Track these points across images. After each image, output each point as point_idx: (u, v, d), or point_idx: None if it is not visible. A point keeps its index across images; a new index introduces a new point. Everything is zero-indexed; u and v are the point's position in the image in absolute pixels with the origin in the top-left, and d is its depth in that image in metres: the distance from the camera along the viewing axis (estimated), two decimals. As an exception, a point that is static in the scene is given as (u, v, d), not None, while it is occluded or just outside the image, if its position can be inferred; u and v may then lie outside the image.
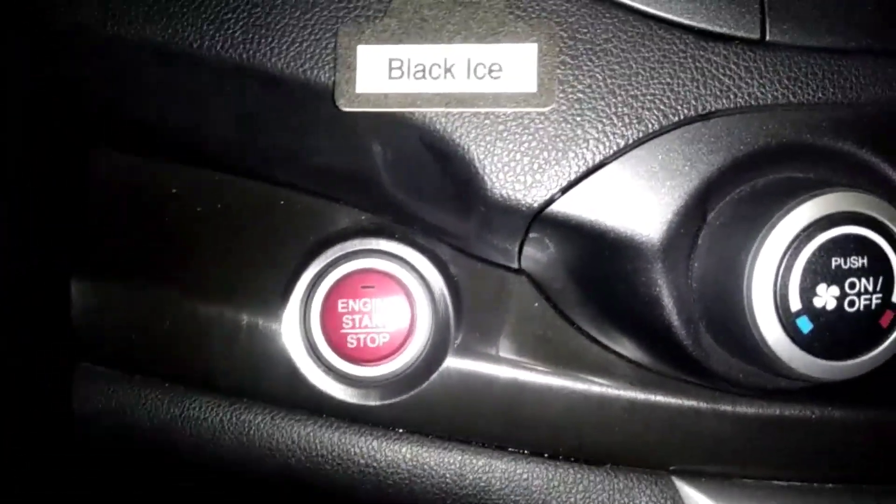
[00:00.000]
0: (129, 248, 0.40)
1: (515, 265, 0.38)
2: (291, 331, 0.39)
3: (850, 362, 0.29)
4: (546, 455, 0.39)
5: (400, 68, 0.31)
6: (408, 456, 0.39)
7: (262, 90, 0.33)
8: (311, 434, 0.39)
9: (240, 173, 0.40)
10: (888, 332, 0.29)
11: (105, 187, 0.41)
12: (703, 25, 0.31)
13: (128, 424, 0.40)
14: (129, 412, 0.40)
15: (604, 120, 0.31)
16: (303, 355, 0.39)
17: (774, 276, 0.29)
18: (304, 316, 0.39)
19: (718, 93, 0.32)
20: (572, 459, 0.40)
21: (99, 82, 0.36)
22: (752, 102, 0.32)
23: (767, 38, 0.31)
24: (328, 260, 0.39)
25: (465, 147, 0.32)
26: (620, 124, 0.31)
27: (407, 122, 0.32)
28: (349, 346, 0.38)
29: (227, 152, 0.38)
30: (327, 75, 0.32)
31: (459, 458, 0.39)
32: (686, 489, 0.40)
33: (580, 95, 0.31)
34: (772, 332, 0.29)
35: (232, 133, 0.36)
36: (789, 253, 0.29)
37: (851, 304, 0.29)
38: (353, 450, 0.39)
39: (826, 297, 0.29)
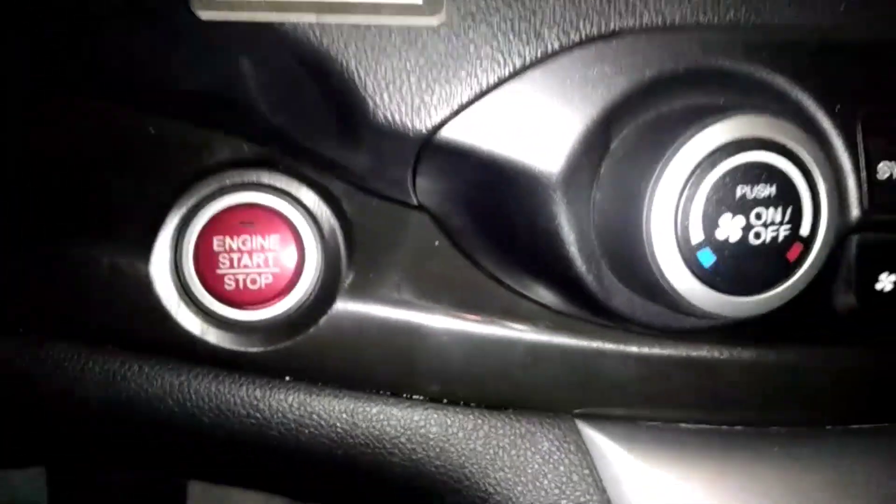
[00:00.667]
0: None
1: (413, 200, 0.35)
2: (161, 271, 0.35)
3: (755, 298, 0.28)
4: (444, 401, 0.38)
5: (266, -32, 0.27)
6: (294, 404, 0.37)
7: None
8: (185, 383, 0.36)
9: (102, 97, 0.35)
10: (796, 266, 0.28)
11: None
12: (607, -68, 0.28)
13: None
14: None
15: (499, 36, 0.28)
16: (174, 297, 0.35)
17: (675, 205, 0.27)
18: (175, 255, 0.35)
19: (624, 10, 0.29)
20: (472, 405, 0.38)
21: None
22: (660, 22, 0.29)
23: (678, -52, 0.29)
24: (203, 194, 0.36)
25: (344, 63, 0.28)
26: (517, 41, 0.28)
27: (275, 33, 0.28)
28: (227, 287, 0.35)
29: (75, 71, 0.33)
30: (182, -26, 0.27)
31: (351, 405, 0.37)
32: (590, 432, 0.39)
33: (472, 9, 0.28)
34: (672, 266, 0.27)
35: (77, 48, 0.31)
36: (691, 181, 0.27)
37: (757, 235, 0.27)
38: (232, 399, 0.37)
39: (730, 228, 0.27)
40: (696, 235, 0.27)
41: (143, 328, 0.35)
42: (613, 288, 0.32)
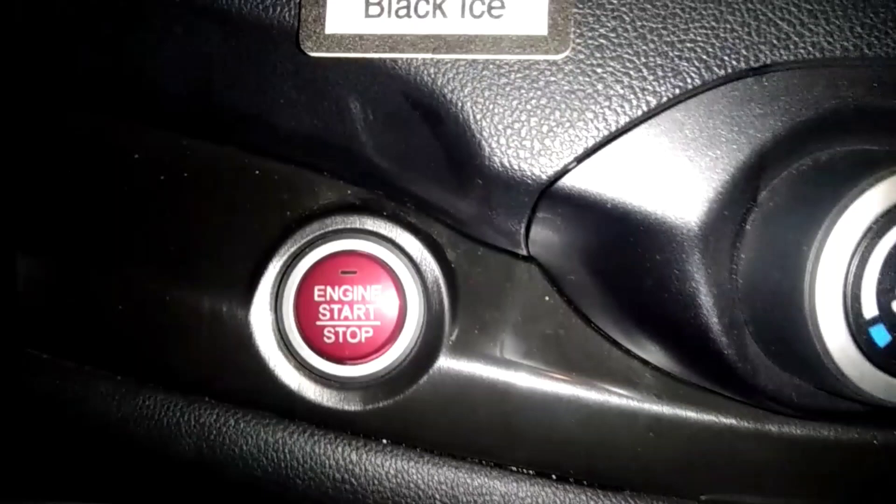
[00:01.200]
0: (83, 220, 0.36)
1: (523, 251, 0.33)
2: (261, 321, 0.34)
3: (938, 385, 0.23)
4: (553, 476, 0.35)
5: (379, 4, 0.25)
6: (391, 471, 0.34)
7: (218, 33, 0.28)
8: (280, 440, 0.34)
9: (208, 137, 0.35)
10: None
11: (58, 150, 0.36)
12: (759, -45, 0.25)
13: (76, 420, 0.36)
14: (78, 407, 0.36)
15: (631, 72, 0.25)
16: (273, 349, 0.34)
17: (844, 273, 0.23)
18: (275, 304, 0.34)
19: (776, 41, 0.26)
20: (584, 483, 0.35)
21: (48, 27, 0.31)
22: (817, 55, 0.26)
23: (839, -26, 0.25)
24: (305, 239, 0.35)
25: (458, 104, 0.26)
26: (652, 78, 0.25)
27: (387, 71, 0.26)
28: (326, 340, 0.34)
29: (185, 111, 0.32)
30: (292, 14, 0.26)
31: (452, 475, 0.35)
32: (719, 522, 0.34)
33: (602, 41, 0.25)
34: (838, 343, 0.23)
35: (187, 87, 0.30)
36: (863, 245, 0.23)
37: (945, 311, 0.23)
38: (328, 461, 0.34)
39: (912, 301, 0.23)
40: (869, 309, 0.23)
41: (240, 379, 0.34)
42: (758, 362, 0.27)
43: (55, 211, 0.36)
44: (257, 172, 0.35)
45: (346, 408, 0.34)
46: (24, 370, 0.36)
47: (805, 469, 0.33)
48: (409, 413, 0.34)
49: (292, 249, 0.34)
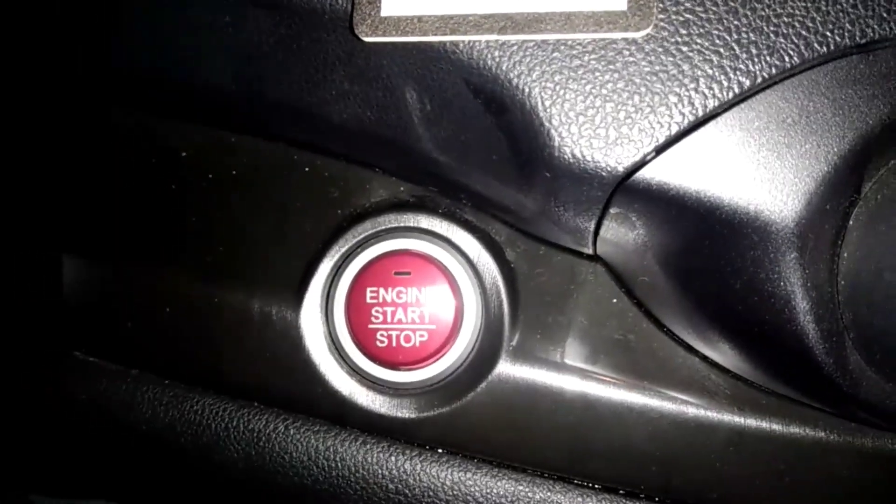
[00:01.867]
0: (130, 220, 0.35)
1: (589, 250, 0.31)
2: (311, 324, 0.33)
3: None
4: (622, 492, 0.33)
5: (439, -19, 0.23)
6: (447, 482, 0.33)
7: (266, 19, 0.26)
8: (332, 448, 0.33)
9: (257, 133, 0.34)
10: None
11: (104, 151, 0.35)
12: (868, -84, 0.22)
13: (123, 425, 0.35)
14: (125, 412, 0.35)
15: (721, 50, 0.23)
16: (323, 353, 0.33)
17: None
18: (326, 306, 0.33)
19: (885, 14, 0.23)
20: (656, 499, 0.33)
21: (90, 29, 0.30)
22: None
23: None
24: (357, 239, 0.34)
25: (526, 90, 0.24)
26: (745, 56, 0.23)
27: (448, 56, 0.25)
28: (379, 344, 0.32)
29: (233, 105, 0.31)
30: (345, -3, 0.25)
31: (512, 487, 0.33)
32: (804, 543, 0.32)
33: (688, 16, 0.23)
34: (965, 354, 0.20)
35: (235, 79, 0.29)
36: None
37: None
38: (381, 471, 0.33)
39: None
40: None
41: (290, 384, 0.33)
42: (860, 372, 0.25)
43: (102, 212, 0.36)
44: (307, 169, 0.34)
45: (400, 415, 0.33)
46: (70, 373, 0.36)
47: None
48: (466, 421, 0.32)
49: (343, 249, 0.33)
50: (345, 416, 0.33)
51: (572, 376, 0.31)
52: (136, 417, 0.35)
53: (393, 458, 0.33)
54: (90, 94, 0.36)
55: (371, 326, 0.32)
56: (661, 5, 0.23)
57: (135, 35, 0.31)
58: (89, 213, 0.36)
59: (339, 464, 0.33)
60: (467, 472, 0.33)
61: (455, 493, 0.33)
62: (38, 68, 0.35)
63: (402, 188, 0.33)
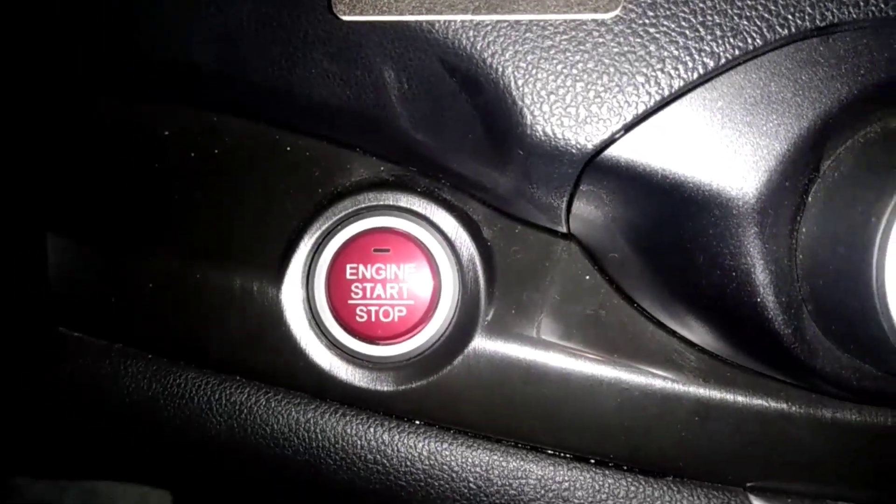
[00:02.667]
0: (112, 199, 0.35)
1: (563, 228, 0.32)
2: (292, 299, 0.34)
3: None
4: (592, 461, 0.34)
5: (416, -38, 0.24)
6: (424, 452, 0.34)
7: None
8: (312, 420, 0.34)
9: (239, 113, 0.34)
10: None
11: (87, 131, 0.36)
12: None
13: (107, 399, 0.36)
14: (108, 385, 0.35)
15: (687, 32, 0.24)
16: (304, 328, 0.34)
17: (919, 247, 0.21)
18: (307, 282, 0.34)
19: (844, -1, 0.24)
20: (625, 468, 0.34)
21: (75, 7, 0.30)
22: (891, 12, 0.24)
23: (917, -79, 0.23)
24: (337, 216, 0.34)
25: (499, 69, 0.25)
26: (710, 38, 0.24)
27: (423, 35, 0.25)
28: (358, 319, 0.33)
29: (212, 84, 0.31)
30: (324, -26, 0.25)
31: (487, 457, 0.34)
32: (766, 511, 0.33)
33: (655, -1, 0.24)
34: (911, 323, 0.21)
35: (217, 55, 0.29)
36: (942, 216, 0.21)
37: None
38: (359, 442, 0.34)
39: None
40: (948, 284, 0.21)
41: (272, 358, 0.34)
42: (817, 343, 0.26)
43: (85, 191, 0.36)
44: (288, 149, 0.34)
45: (379, 388, 0.33)
46: (56, 349, 0.36)
47: (859, 457, 0.32)
48: (442, 394, 0.33)
49: (324, 227, 0.33)
50: (325, 389, 0.34)
51: (545, 350, 0.32)
52: (119, 391, 0.35)
53: (371, 430, 0.34)
54: (72, 77, 0.36)
55: (351, 302, 0.33)
56: (629, -13, 0.24)
57: (116, 14, 0.32)
58: (73, 194, 0.36)
59: (319, 435, 0.34)
60: (443, 443, 0.34)
61: (431, 462, 0.34)
62: (18, 52, 0.35)
63: (382, 168, 0.34)
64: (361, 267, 0.33)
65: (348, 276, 0.33)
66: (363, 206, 0.33)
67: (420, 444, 0.34)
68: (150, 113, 0.35)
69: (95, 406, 0.36)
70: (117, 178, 0.36)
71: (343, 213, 0.33)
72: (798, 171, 0.24)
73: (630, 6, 0.24)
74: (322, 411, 0.34)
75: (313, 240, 0.34)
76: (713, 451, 0.32)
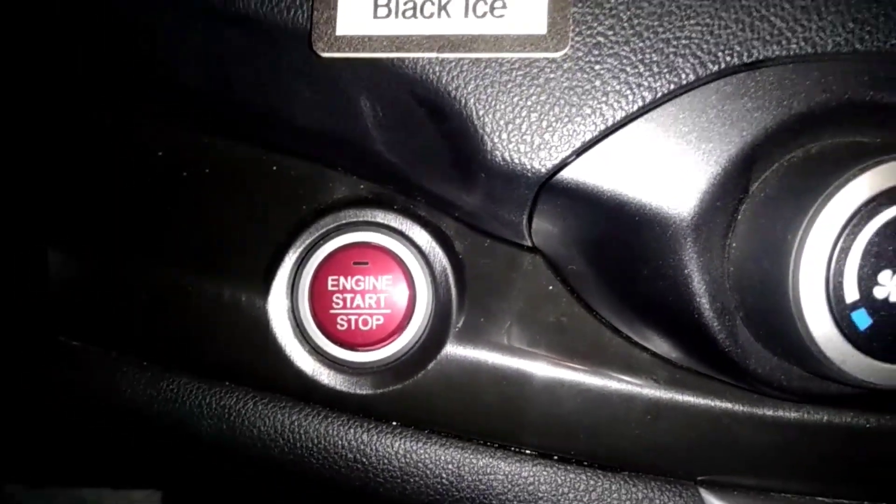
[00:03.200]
0: (109, 214, 0.38)
1: (527, 242, 0.34)
2: (278, 309, 0.35)
3: (918, 367, 0.24)
4: (555, 457, 0.36)
5: (387, 6, 0.27)
6: (401, 451, 0.35)
7: (234, 33, 0.29)
8: (297, 423, 0.36)
9: (228, 134, 0.36)
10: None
11: (85, 149, 0.38)
12: (750, -44, 0.26)
13: (104, 403, 0.38)
14: (106, 391, 0.37)
15: (627, 69, 0.26)
16: (289, 336, 0.36)
17: (827, 260, 0.24)
18: (291, 293, 0.36)
19: (768, 37, 0.26)
20: (585, 464, 0.36)
21: (67, 34, 0.33)
22: (809, 49, 0.27)
23: (829, -30, 0.26)
24: (320, 232, 0.36)
25: (462, 101, 0.27)
26: (648, 74, 0.26)
27: (395, 70, 0.28)
28: (339, 327, 0.35)
29: (204, 108, 0.34)
30: (305, 16, 0.28)
31: (458, 455, 0.36)
32: (715, 503, 0.35)
33: (599, 39, 0.26)
34: (822, 327, 0.24)
35: (206, 85, 0.32)
36: (846, 232, 0.24)
37: (924, 296, 0.24)
38: (340, 442, 0.36)
39: (890, 286, 0.24)
40: (851, 294, 0.24)
41: (259, 365, 0.35)
42: (749, 346, 0.29)
43: (83, 206, 0.38)
44: (274, 168, 0.36)
45: (359, 392, 0.35)
46: (55, 357, 0.38)
47: (799, 451, 0.34)
48: (417, 397, 0.35)
49: (308, 241, 0.35)
50: (308, 393, 0.35)
51: (512, 356, 0.34)
52: (115, 396, 0.37)
53: (352, 431, 0.36)
54: (72, 97, 0.38)
55: (332, 311, 0.34)
56: (576, 30, 0.26)
57: (114, 41, 0.34)
58: (73, 209, 0.38)
59: (303, 436, 0.36)
60: (418, 443, 0.36)
61: (407, 461, 0.36)
62: (21, 70, 0.37)
63: (361, 186, 0.36)
64: (342, 279, 0.35)
65: (330, 288, 0.35)
66: (344, 222, 0.35)
67: (397, 444, 0.36)
68: (146, 134, 0.37)
69: (93, 410, 0.38)
70: (114, 194, 0.38)
71: (325, 229, 0.35)
72: (728, 192, 0.27)
73: (577, 46, 0.27)
74: (306, 414, 0.36)
75: (297, 253, 0.35)
76: (665, 447, 0.34)
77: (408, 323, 0.35)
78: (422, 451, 0.36)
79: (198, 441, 0.37)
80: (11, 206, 0.38)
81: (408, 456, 0.36)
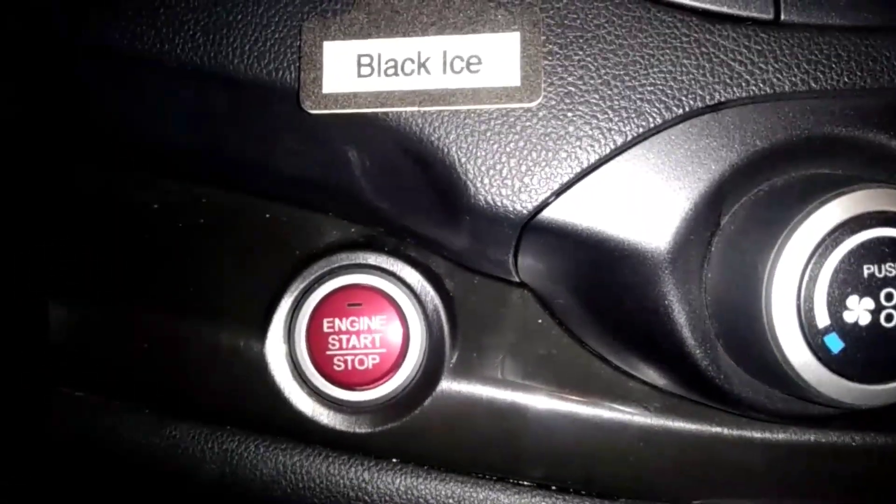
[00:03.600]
0: (109, 266, 0.39)
1: (515, 278, 0.35)
2: (275, 352, 0.36)
3: (889, 386, 0.25)
4: (553, 487, 0.36)
5: (370, 65, 0.28)
6: (401, 488, 0.36)
7: (225, 94, 0.31)
8: (298, 463, 0.37)
9: (221, 185, 0.38)
10: (935, 350, 0.25)
11: (84, 204, 0.39)
12: (708, 6, 0.28)
13: (108, 452, 0.38)
14: (109, 439, 0.38)
15: (598, 115, 0.28)
16: (287, 378, 0.36)
17: (797, 287, 0.25)
18: (288, 336, 0.36)
19: (728, 80, 0.28)
20: (582, 492, 0.36)
21: (63, 91, 0.34)
22: (768, 90, 0.28)
23: (782, 17, 0.28)
24: (314, 276, 0.37)
25: (445, 150, 0.29)
26: (617, 119, 0.28)
27: (380, 124, 0.29)
28: (336, 368, 0.35)
29: (197, 163, 0.35)
30: (293, 76, 0.29)
31: (458, 490, 0.36)
32: (711, 525, 0.36)
33: (570, 88, 0.28)
34: (796, 352, 0.25)
35: (198, 141, 0.33)
36: (813, 260, 0.25)
37: (889, 318, 0.25)
38: (342, 481, 0.36)
39: (858, 310, 0.25)
40: (822, 319, 0.25)
41: (258, 408, 0.36)
42: (731, 372, 0.30)
43: (83, 258, 0.39)
44: (267, 216, 0.37)
45: (358, 430, 0.36)
46: (57, 407, 0.39)
47: (788, 471, 0.34)
48: (416, 433, 0.35)
49: (302, 286, 0.36)
50: (308, 434, 0.36)
51: (505, 389, 0.35)
52: (118, 444, 0.38)
53: (353, 470, 0.37)
54: (69, 155, 0.39)
55: (329, 353, 0.35)
56: (548, 80, 0.28)
57: (108, 98, 0.35)
58: (73, 261, 0.39)
59: (305, 477, 0.37)
60: (418, 479, 0.37)
61: (408, 497, 0.36)
62: (19, 128, 0.39)
63: (352, 229, 0.37)
64: (337, 320, 0.35)
65: (325, 330, 0.35)
66: (336, 265, 0.36)
67: (397, 481, 0.36)
68: (141, 188, 0.38)
69: (95, 459, 0.39)
70: (113, 246, 0.39)
71: (319, 273, 0.36)
72: (700, 226, 0.28)
73: (550, 95, 0.28)
74: (307, 454, 0.37)
75: (293, 298, 0.36)
76: (658, 473, 0.35)
77: (403, 361, 0.35)
78: (422, 487, 0.36)
79: (200, 486, 0.38)
80: (13, 259, 0.39)
81: (409, 492, 0.36)
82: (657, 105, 0.28)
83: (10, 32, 0.33)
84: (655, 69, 0.28)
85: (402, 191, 0.32)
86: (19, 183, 0.39)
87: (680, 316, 0.29)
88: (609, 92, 0.28)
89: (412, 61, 0.28)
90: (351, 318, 0.36)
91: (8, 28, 0.33)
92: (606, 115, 0.28)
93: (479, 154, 0.29)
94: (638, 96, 0.28)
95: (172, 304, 0.38)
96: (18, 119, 0.38)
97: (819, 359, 0.25)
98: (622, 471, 0.35)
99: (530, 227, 0.29)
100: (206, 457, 0.37)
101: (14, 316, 0.39)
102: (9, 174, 0.39)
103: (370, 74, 0.28)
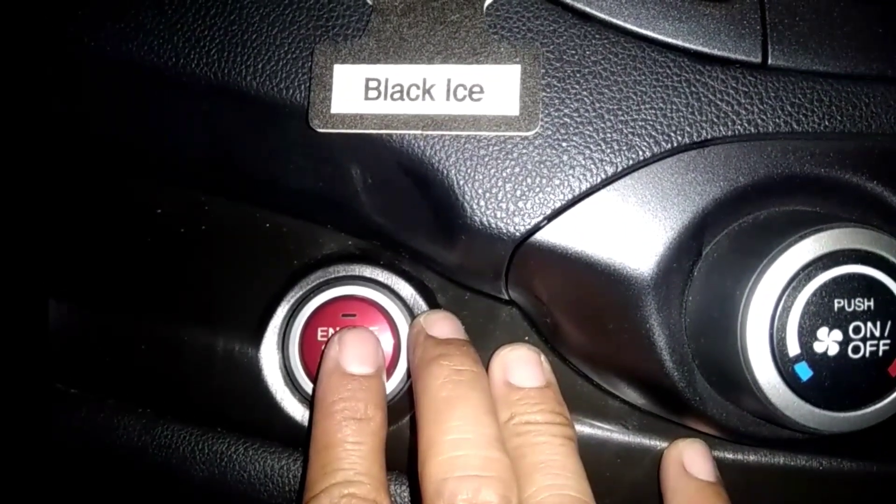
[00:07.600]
0: (109, 268, 0.39)
1: (505, 296, 0.36)
2: (269, 359, 0.37)
3: (854, 414, 0.27)
4: None
5: (377, 88, 0.30)
6: (395, 498, 0.37)
7: (236, 109, 0.32)
8: (286, 467, 0.38)
9: (225, 194, 0.39)
10: (898, 380, 0.27)
11: (86, 205, 0.40)
12: (699, 48, 0.30)
13: (100, 449, 0.39)
14: (102, 437, 0.39)
15: (591, 146, 0.30)
16: (280, 384, 0.37)
17: (771, 316, 0.27)
18: (282, 344, 0.37)
19: (715, 119, 0.30)
20: None
21: (74, 101, 0.35)
22: (752, 130, 0.30)
23: (769, 61, 0.30)
24: (310, 286, 0.38)
25: (444, 172, 0.30)
26: (609, 151, 0.29)
27: (384, 144, 0.30)
28: None
29: (204, 174, 0.36)
30: (302, 95, 0.31)
31: None
32: (683, 542, 0.37)
33: (566, 120, 0.30)
34: (768, 378, 0.27)
35: (206, 154, 0.34)
36: (787, 292, 0.27)
37: (856, 350, 0.27)
38: None
39: (828, 341, 0.27)
40: (793, 348, 0.27)
41: (250, 412, 0.37)
42: (706, 394, 0.31)
43: (85, 259, 0.40)
44: (268, 226, 0.38)
45: None
46: (53, 403, 0.40)
47: (758, 493, 0.36)
48: (403, 441, 0.36)
49: (298, 295, 0.37)
50: (298, 438, 0.37)
51: None
52: (111, 441, 0.38)
53: (339, 475, 0.38)
54: (75, 160, 0.40)
55: None
56: (545, 111, 0.30)
57: (120, 109, 0.36)
58: (74, 262, 0.40)
59: (292, 480, 0.38)
60: (403, 486, 0.38)
61: (397, 502, 0.38)
62: (25, 130, 0.39)
63: (349, 242, 0.38)
64: (331, 330, 0.36)
65: (319, 338, 0.36)
66: (332, 276, 0.37)
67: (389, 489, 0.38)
68: (146, 193, 0.39)
69: (89, 456, 0.39)
70: (114, 248, 0.39)
71: (315, 283, 0.37)
72: (684, 254, 0.30)
73: (546, 125, 0.30)
74: (295, 458, 0.38)
75: (288, 306, 0.37)
76: (634, 489, 0.36)
77: (393, 371, 0.36)
78: (407, 493, 0.37)
79: (190, 486, 0.38)
80: (16, 258, 0.40)
81: (396, 497, 0.37)
82: (647, 139, 0.29)
83: (24, 39, 0.34)
84: (647, 105, 0.30)
85: (401, 208, 0.33)
86: (20, 183, 0.40)
87: (660, 338, 0.30)
88: (602, 125, 0.29)
89: (417, 87, 0.30)
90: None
91: (21, 35, 0.34)
92: (599, 147, 0.29)
93: (476, 177, 0.30)
94: (629, 130, 0.29)
95: (170, 307, 0.39)
96: (24, 122, 0.38)
97: (789, 385, 0.27)
98: (600, 486, 0.36)
99: (522, 249, 0.31)
100: (196, 457, 0.38)
101: (14, 316, 0.40)
102: (10, 174, 0.40)
103: (377, 98, 0.30)
